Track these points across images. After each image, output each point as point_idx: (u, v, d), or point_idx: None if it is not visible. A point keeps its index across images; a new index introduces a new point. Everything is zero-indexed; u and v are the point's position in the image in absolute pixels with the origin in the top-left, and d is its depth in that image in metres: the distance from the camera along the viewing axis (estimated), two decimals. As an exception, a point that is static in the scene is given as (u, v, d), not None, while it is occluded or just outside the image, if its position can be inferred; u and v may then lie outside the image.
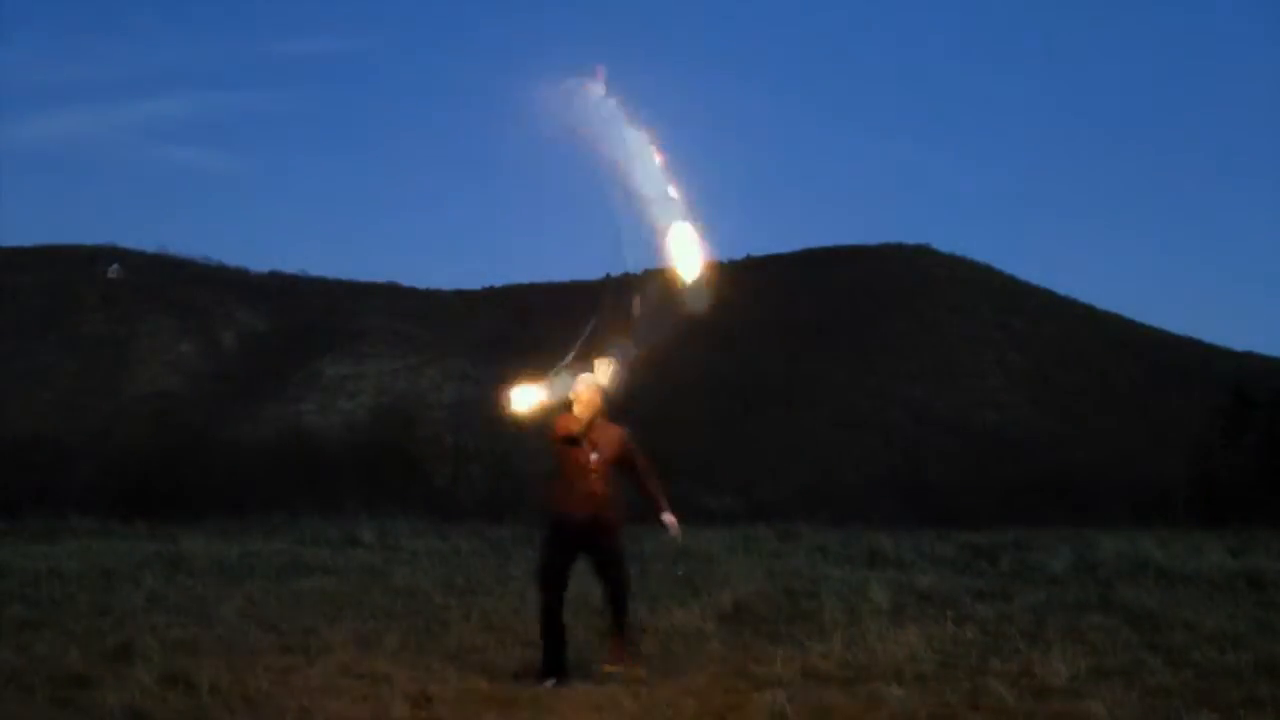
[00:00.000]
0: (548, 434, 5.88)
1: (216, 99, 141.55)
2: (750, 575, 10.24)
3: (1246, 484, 24.96)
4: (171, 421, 38.33)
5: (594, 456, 5.81)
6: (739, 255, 65.98)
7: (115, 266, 55.71)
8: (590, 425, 5.82)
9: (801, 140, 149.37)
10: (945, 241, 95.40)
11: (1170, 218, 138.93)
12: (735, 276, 61.30)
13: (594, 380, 5.85)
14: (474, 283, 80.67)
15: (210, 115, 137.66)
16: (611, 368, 5.86)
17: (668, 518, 5.94)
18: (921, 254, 64.45)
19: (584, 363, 5.89)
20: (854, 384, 47.15)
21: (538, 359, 5.96)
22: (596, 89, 5.61)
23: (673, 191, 5.71)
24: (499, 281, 66.55)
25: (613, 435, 5.89)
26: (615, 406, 5.94)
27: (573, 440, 5.81)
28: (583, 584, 7.38)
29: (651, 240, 5.73)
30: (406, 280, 65.64)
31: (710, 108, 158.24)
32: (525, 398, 5.87)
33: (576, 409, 5.83)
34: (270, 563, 11.10)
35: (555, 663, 5.77)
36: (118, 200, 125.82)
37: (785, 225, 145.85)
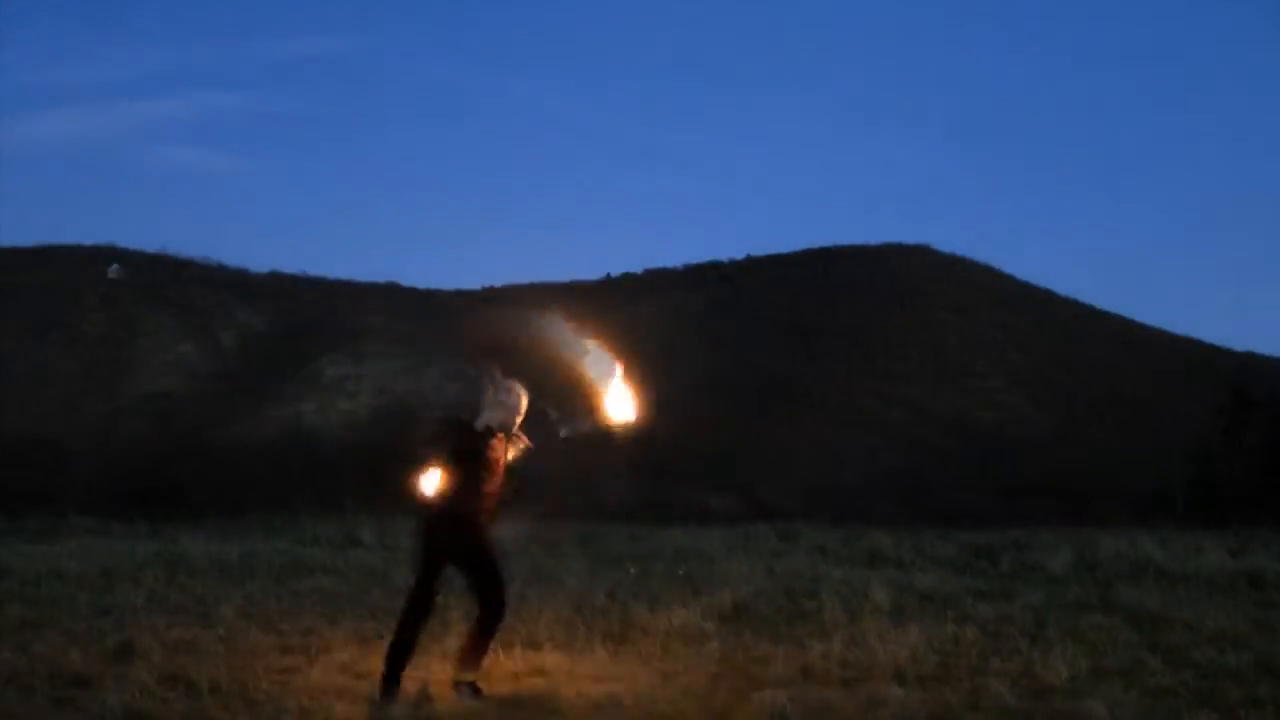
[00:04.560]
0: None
1: (216, 99, 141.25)
2: (750, 575, 10.24)
3: (1247, 484, 25.00)
4: (171, 421, 38.34)
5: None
6: (739, 255, 66.24)
7: (115, 266, 55.55)
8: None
9: (802, 140, 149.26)
10: (945, 241, 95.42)
11: (1170, 217, 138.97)
12: (736, 276, 61.56)
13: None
14: (474, 283, 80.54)
15: (210, 115, 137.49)
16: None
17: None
18: (921, 254, 64.40)
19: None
20: (854, 384, 47.08)
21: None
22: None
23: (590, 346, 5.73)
24: (499, 282, 66.41)
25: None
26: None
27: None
28: (585, 583, 7.38)
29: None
30: (406, 280, 65.48)
31: (710, 108, 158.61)
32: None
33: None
34: (270, 563, 11.10)
35: None
36: (118, 200, 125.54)
37: (785, 225, 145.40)
